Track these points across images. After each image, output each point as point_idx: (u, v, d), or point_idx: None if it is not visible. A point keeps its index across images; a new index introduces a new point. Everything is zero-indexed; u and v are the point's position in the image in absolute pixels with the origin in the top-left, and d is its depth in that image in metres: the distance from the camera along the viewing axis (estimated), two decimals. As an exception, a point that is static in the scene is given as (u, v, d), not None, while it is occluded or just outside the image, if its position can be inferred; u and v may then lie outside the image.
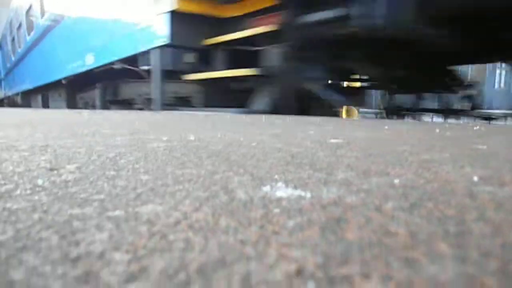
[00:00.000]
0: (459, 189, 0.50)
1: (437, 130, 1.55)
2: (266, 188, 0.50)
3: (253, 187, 0.51)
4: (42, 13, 8.56)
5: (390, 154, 0.83)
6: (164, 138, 1.17)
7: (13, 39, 12.86)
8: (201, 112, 3.75)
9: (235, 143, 1.03)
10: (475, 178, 0.57)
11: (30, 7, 9.70)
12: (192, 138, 1.18)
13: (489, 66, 8.49)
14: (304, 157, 0.78)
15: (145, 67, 4.55)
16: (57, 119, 2.53)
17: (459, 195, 0.47)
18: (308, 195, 0.46)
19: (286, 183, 0.53)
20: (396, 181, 0.55)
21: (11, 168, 0.67)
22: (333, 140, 1.10)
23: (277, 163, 0.71)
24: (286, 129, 1.55)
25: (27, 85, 10.78)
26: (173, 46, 4.08)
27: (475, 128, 1.85)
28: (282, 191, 0.48)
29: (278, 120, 2.17)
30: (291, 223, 0.36)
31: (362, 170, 0.64)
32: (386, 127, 1.68)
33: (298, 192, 0.48)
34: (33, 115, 3.52)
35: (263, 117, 2.56)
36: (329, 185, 0.52)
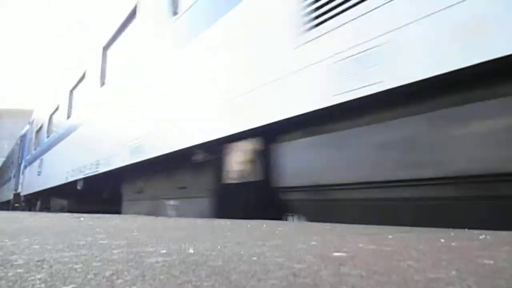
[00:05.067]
0: (468, 318, 0.48)
1: (442, 240, 1.52)
2: (268, 318, 0.48)
3: (254, 316, 0.49)
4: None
5: (395, 272, 0.81)
6: (163, 251, 1.15)
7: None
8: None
9: (235, 257, 1.01)
10: (484, 304, 0.55)
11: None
12: (191, 251, 1.15)
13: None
14: (306, 275, 0.76)
15: None
16: (54, 226, 2.50)
17: (469, 327, 0.45)
18: (312, 326, 0.44)
19: (289, 310, 0.51)
20: (403, 307, 0.53)
21: (4, 290, 0.65)
22: (336, 254, 1.07)
23: (279, 284, 0.69)
24: (286, 239, 1.52)
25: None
26: None
27: (481, 237, 1.81)
28: (285, 322, 0.46)
29: (280, 227, 2.14)
30: None
31: (366, 293, 0.62)
32: (390, 237, 1.65)
33: (301, 323, 0.46)
34: (31, 220, 3.47)
35: (264, 224, 2.52)
36: (333, 314, 0.50)
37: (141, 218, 4.06)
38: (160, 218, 3.94)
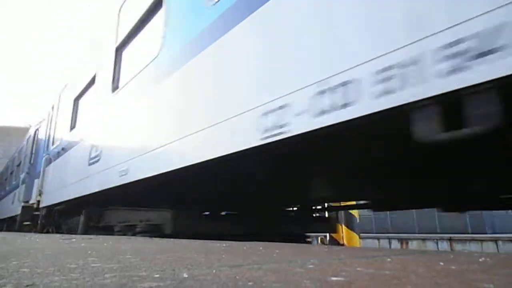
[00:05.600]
0: None
1: (441, 263, 1.50)
2: None
3: None
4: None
5: (394, 298, 0.79)
6: (156, 275, 1.12)
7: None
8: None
9: (230, 282, 0.99)
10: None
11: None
12: (185, 275, 1.12)
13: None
14: (304, 302, 0.74)
15: None
16: (45, 248, 2.43)
17: None
18: None
19: None
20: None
21: (-10, 318, 0.62)
22: (333, 278, 1.05)
23: (275, 311, 0.67)
24: (283, 263, 1.49)
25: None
26: None
27: (480, 259, 1.79)
28: None
29: (277, 250, 2.10)
30: None
31: (366, 321, 0.60)
32: (389, 260, 1.63)
33: None
34: (21, 242, 3.39)
35: (261, 245, 2.48)
36: None
37: (134, 239, 3.98)
38: (155, 239, 3.86)
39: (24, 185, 10.94)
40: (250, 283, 0.96)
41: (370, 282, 0.99)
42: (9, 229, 11.99)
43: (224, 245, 2.72)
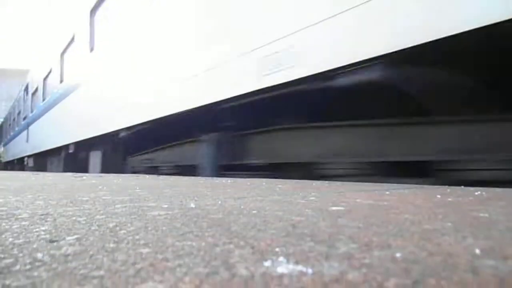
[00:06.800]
0: (461, 263, 0.50)
1: (438, 196, 1.55)
2: (267, 263, 0.49)
3: (254, 262, 0.50)
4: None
5: (392, 224, 0.83)
6: (165, 206, 1.17)
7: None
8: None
9: (235, 211, 1.03)
10: (477, 251, 0.57)
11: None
12: (192, 205, 1.18)
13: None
14: (305, 227, 0.78)
15: None
16: (57, 184, 2.54)
17: (462, 271, 0.46)
18: (310, 271, 0.46)
19: (287, 257, 0.53)
20: (398, 254, 0.55)
21: (10, 239, 0.67)
22: (334, 208, 1.10)
23: (278, 234, 0.70)
24: (286, 196, 1.55)
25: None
26: None
27: (476, 193, 1.85)
28: (284, 267, 0.48)
29: (279, 185, 2.18)
30: (292, 304, 0.35)
31: (364, 242, 0.63)
32: (387, 193, 1.69)
33: (299, 268, 0.47)
34: (34, 179, 3.53)
35: (263, 181, 2.57)
36: (331, 260, 0.51)
37: (143, 177, 4.13)
38: (162, 177, 4.00)
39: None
40: (254, 211, 1.01)
41: (369, 211, 1.03)
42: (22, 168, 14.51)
43: (229, 181, 2.81)
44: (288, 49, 2.82)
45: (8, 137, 20.61)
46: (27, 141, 13.89)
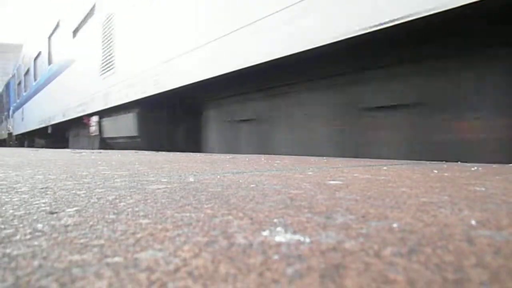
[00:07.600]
0: (457, 233, 0.51)
1: (435, 171, 1.56)
2: (265, 233, 0.50)
3: (252, 232, 0.51)
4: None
5: (389, 197, 0.83)
6: (164, 180, 1.18)
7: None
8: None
9: (234, 185, 1.04)
10: (473, 222, 0.57)
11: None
12: (191, 179, 1.18)
13: None
14: (303, 199, 0.79)
15: None
16: (57, 160, 2.54)
17: (457, 240, 0.47)
18: (307, 240, 0.47)
19: (285, 227, 0.53)
20: (395, 225, 0.55)
21: (11, 211, 0.67)
22: (332, 182, 1.10)
23: (276, 206, 0.71)
24: (284, 171, 1.56)
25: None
26: None
27: (473, 168, 1.86)
28: (281, 236, 0.48)
29: (277, 160, 2.19)
30: (290, 271, 0.36)
31: (361, 214, 0.64)
32: (385, 168, 1.70)
33: (297, 237, 0.48)
34: (33, 155, 3.54)
35: (263, 157, 2.57)
36: (328, 230, 0.52)
37: (142, 153, 4.14)
38: (160, 153, 4.01)
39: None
40: (252, 185, 1.02)
41: (366, 185, 1.04)
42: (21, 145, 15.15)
43: (228, 156, 2.82)
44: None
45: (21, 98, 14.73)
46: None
